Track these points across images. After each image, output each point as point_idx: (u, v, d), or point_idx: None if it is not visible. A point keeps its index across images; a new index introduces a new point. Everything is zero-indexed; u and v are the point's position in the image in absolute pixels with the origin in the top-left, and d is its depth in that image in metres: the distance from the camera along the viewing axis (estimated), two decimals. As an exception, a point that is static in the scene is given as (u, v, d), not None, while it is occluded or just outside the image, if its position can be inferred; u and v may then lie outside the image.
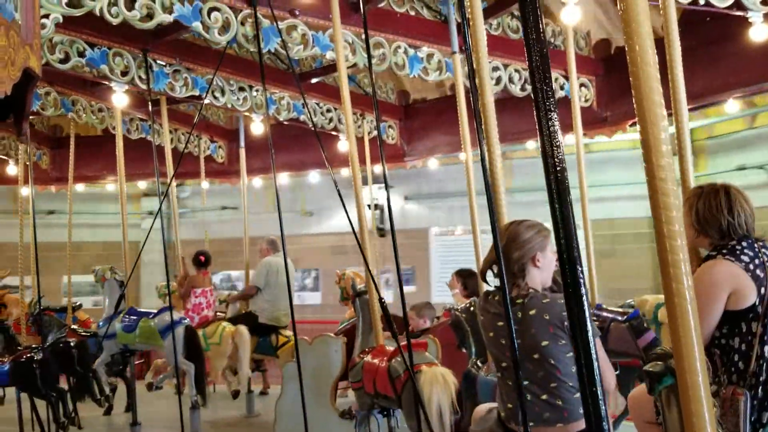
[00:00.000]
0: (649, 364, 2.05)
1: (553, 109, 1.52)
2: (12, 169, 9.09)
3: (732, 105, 7.11)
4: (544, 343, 2.56)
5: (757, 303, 2.60)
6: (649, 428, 2.99)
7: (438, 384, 3.87)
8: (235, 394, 6.98)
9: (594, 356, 1.50)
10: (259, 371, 8.11)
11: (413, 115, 8.59)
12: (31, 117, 8.40)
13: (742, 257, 2.65)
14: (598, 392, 1.52)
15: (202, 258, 7.60)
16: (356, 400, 4.76)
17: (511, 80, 6.48)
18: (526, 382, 2.61)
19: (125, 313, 6.88)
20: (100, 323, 7.36)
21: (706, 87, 6.22)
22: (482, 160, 2.53)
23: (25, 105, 3.58)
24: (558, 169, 1.51)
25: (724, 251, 2.68)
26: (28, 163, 8.30)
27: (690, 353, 1.52)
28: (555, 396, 2.58)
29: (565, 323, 2.63)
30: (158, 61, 6.25)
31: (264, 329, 7.49)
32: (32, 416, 6.67)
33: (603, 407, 1.53)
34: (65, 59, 5.47)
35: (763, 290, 2.60)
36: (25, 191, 8.54)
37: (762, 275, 2.63)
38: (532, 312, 2.62)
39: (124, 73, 5.92)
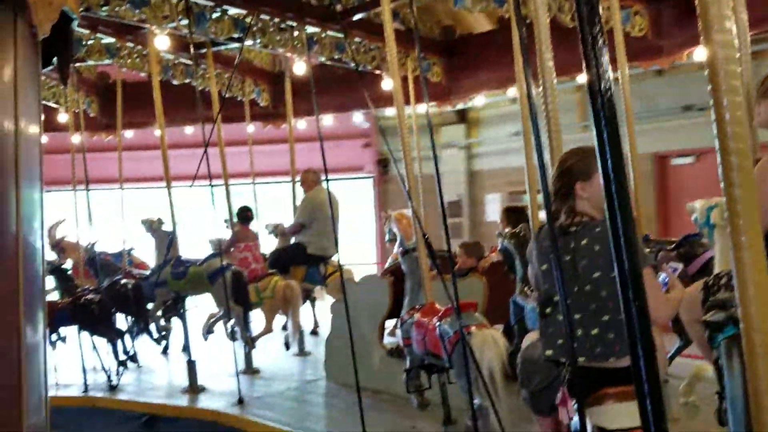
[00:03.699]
0: (708, 312, 1.90)
1: (600, 36, 1.41)
2: (63, 117, 9.25)
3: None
4: (596, 274, 2.45)
5: None
6: (696, 327, 2.86)
7: (489, 346, 3.84)
8: (287, 346, 7.12)
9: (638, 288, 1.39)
10: (309, 302, 8.20)
11: (459, 51, 8.35)
12: (77, 64, 8.49)
13: None
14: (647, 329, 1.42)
15: (248, 213, 7.70)
16: (407, 355, 4.77)
17: (560, 9, 6.21)
18: (577, 316, 2.51)
19: (174, 261, 7.03)
20: (150, 271, 7.55)
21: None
22: (528, 96, 2.39)
23: (66, 50, 3.59)
24: (605, 98, 1.41)
25: None
26: (77, 110, 8.46)
27: (760, 306, 1.41)
28: (607, 329, 2.46)
29: None
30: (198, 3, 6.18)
31: (312, 259, 7.61)
32: (94, 354, 6.98)
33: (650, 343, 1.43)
34: (106, 2, 5.46)
35: None
36: (77, 139, 8.73)
37: None
38: (584, 242, 2.50)
39: (165, 17, 5.88)
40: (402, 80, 6.67)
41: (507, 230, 4.91)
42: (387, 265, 7.58)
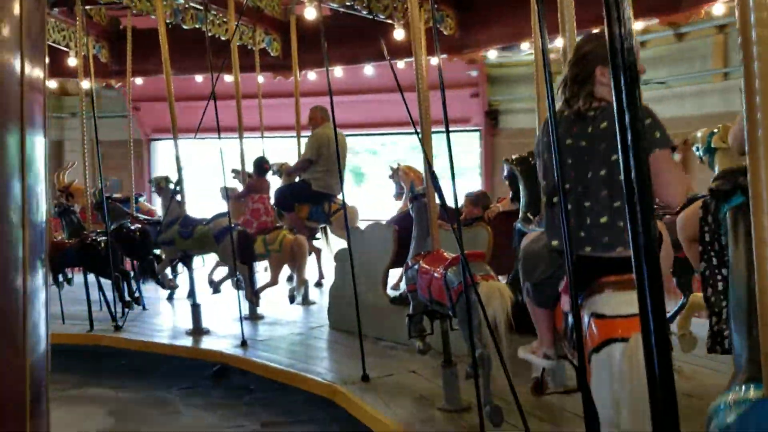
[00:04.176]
0: (714, 181, 1.88)
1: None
2: (72, 61, 9.20)
3: None
4: (614, 157, 2.42)
5: None
6: (692, 246, 2.86)
7: (495, 298, 3.82)
8: (292, 299, 7.14)
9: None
10: (313, 242, 8.15)
11: (473, 3, 8.19)
12: (88, 7, 8.42)
13: None
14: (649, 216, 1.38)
15: (265, 165, 7.64)
16: (411, 301, 4.76)
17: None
18: (586, 204, 2.52)
19: (182, 221, 7.05)
20: (158, 230, 7.55)
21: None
22: (543, 50, 2.33)
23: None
24: (627, 52, 1.34)
25: None
26: (85, 54, 8.40)
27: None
28: (617, 217, 2.45)
29: None
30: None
31: (317, 197, 7.61)
32: (99, 296, 7.04)
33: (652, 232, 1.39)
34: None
35: None
36: (86, 84, 8.69)
37: None
38: (604, 125, 2.49)
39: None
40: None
41: (514, 156, 4.85)
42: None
